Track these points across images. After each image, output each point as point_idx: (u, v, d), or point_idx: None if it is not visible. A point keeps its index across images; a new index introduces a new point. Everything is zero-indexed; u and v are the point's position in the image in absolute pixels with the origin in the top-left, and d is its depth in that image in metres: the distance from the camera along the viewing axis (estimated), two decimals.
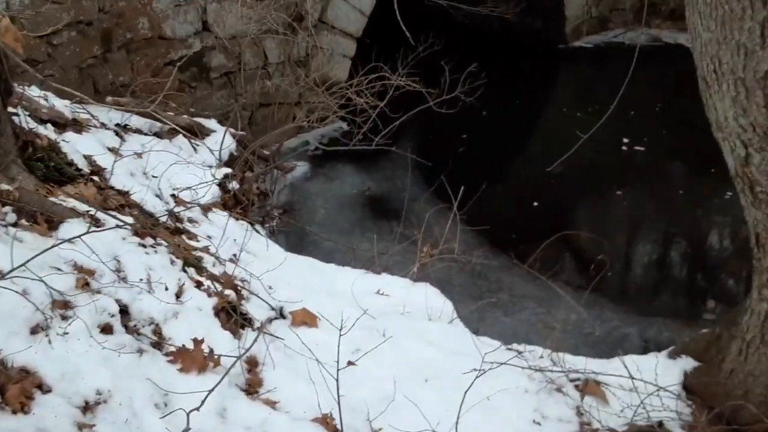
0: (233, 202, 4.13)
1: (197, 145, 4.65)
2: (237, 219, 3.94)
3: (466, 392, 2.43)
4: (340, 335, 2.54)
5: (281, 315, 2.95)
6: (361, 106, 5.44)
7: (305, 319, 2.90)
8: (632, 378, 2.77)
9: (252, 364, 2.53)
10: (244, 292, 2.90)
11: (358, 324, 3.13)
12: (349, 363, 2.62)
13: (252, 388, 2.42)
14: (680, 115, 8.21)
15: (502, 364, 2.81)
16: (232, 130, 5.13)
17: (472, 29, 9.88)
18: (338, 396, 2.25)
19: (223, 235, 3.43)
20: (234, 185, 4.23)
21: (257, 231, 3.94)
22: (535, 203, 6.19)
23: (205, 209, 3.78)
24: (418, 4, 7.91)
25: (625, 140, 7.54)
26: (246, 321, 2.75)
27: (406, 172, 6.46)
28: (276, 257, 3.57)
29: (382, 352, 2.80)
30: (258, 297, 2.92)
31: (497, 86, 6.93)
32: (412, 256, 4.40)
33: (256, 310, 2.88)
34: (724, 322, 2.90)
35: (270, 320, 2.88)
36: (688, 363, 3.02)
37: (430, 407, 2.52)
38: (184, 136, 4.60)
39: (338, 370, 2.31)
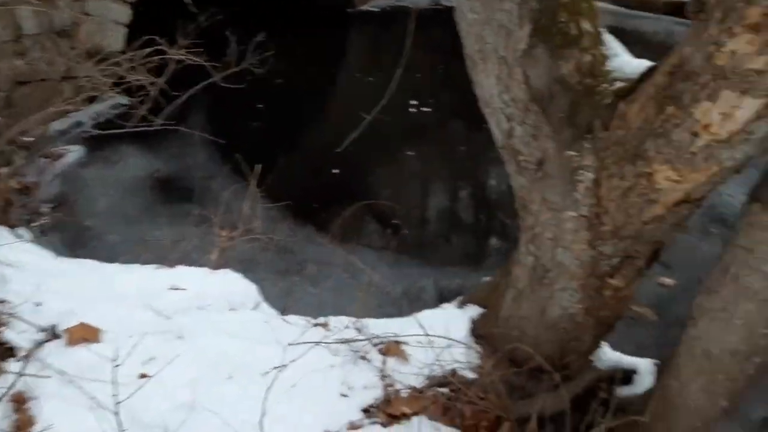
0: None
1: None
2: None
3: (269, 388, 2.36)
4: (115, 360, 2.20)
5: (54, 335, 2.60)
6: (136, 82, 4.95)
7: (84, 334, 2.59)
8: (427, 335, 2.91)
9: (19, 401, 2.20)
10: (2, 317, 2.50)
11: (150, 328, 2.90)
12: (142, 376, 2.41)
13: (21, 430, 2.11)
14: (460, 77, 8.79)
15: (305, 343, 2.79)
16: None
17: None
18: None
19: None
20: None
21: (19, 236, 3.43)
22: (334, 171, 6.25)
23: None
24: None
25: (413, 102, 7.88)
26: (7, 352, 2.38)
27: (197, 150, 6.14)
28: (44, 265, 3.15)
29: (178, 356, 2.61)
30: (21, 319, 2.53)
31: (288, 55, 6.82)
32: (209, 238, 4.19)
33: (20, 335, 2.50)
34: (501, 272, 3.17)
35: (39, 344, 2.52)
36: (474, 311, 3.27)
37: (234, 406, 2.42)
38: None
39: (117, 402, 2.02)
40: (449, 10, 8.98)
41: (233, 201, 4.70)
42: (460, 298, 3.43)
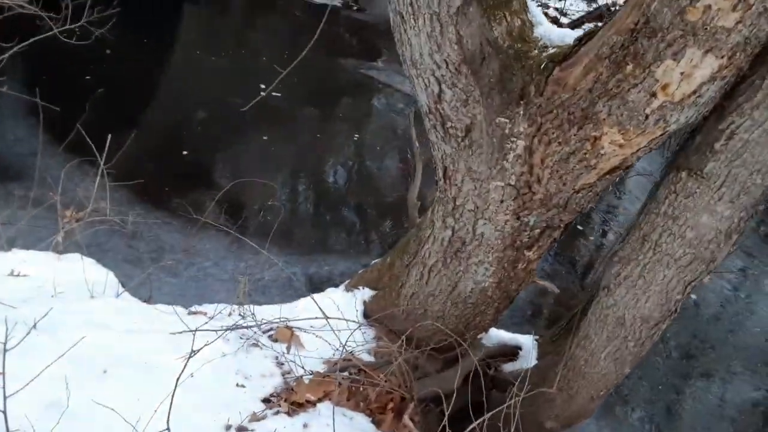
0: None
1: None
2: None
3: (178, 380, 2.05)
4: None
5: None
6: None
7: None
8: (325, 317, 2.76)
9: None
10: None
11: None
12: None
13: None
14: (308, 64, 8.65)
15: (190, 331, 2.49)
16: None
17: None
18: None
19: None
20: None
21: None
22: (185, 152, 5.76)
23: None
24: None
25: (263, 86, 7.55)
26: None
27: (19, 118, 5.28)
28: None
29: (38, 349, 2.18)
30: None
31: (118, 23, 6.10)
32: (52, 223, 3.61)
33: None
34: (397, 252, 3.10)
35: None
36: (365, 293, 3.18)
37: (114, 405, 2.07)
38: None
39: None
40: None
41: (74, 179, 4.13)
42: (348, 282, 3.31)
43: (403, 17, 1.96)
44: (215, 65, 7.89)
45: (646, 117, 1.60)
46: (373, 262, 3.45)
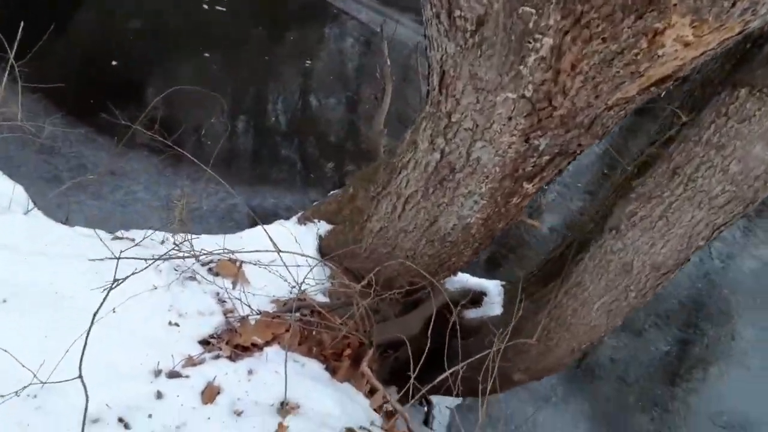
0: None
1: None
2: None
3: (95, 315, 1.63)
4: None
5: None
6: None
7: None
8: (276, 250, 2.38)
9: None
10: None
11: None
12: None
13: None
14: None
15: (113, 258, 2.04)
16: None
17: None
18: None
19: None
20: None
21: None
22: (114, 62, 5.10)
23: None
24: None
25: None
26: None
27: None
28: None
29: None
30: None
31: None
32: None
33: None
34: (360, 182, 2.73)
35: None
36: (321, 227, 2.81)
37: (14, 341, 1.64)
38: None
39: None
40: None
41: None
42: (301, 214, 2.92)
43: None
44: None
45: (733, 3, 1.24)
46: (331, 192, 3.07)
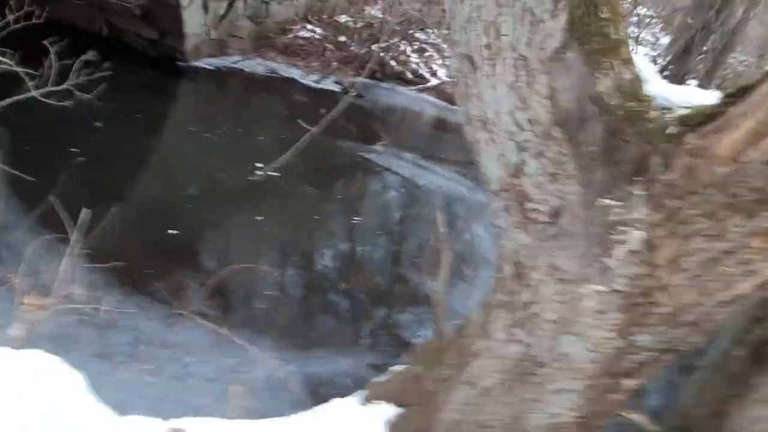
0: None
1: None
2: None
3: None
4: None
5: None
6: None
7: None
8: None
9: None
10: None
11: None
12: None
13: None
14: (306, 145, 8.37)
15: None
16: None
17: (78, 29, 8.34)
18: None
19: None
20: None
21: None
22: (171, 231, 5.24)
23: None
24: None
25: (259, 165, 7.17)
26: None
27: None
28: None
29: None
30: None
31: (110, 93, 5.71)
32: (6, 305, 3.04)
33: None
34: (423, 361, 2.57)
35: None
36: (388, 410, 2.61)
37: None
38: None
39: None
40: (285, 80, 8.65)
41: (40, 258, 3.58)
42: (364, 392, 2.74)
43: (473, 62, 1.53)
44: (209, 142, 7.54)
45: None
46: (394, 369, 2.90)
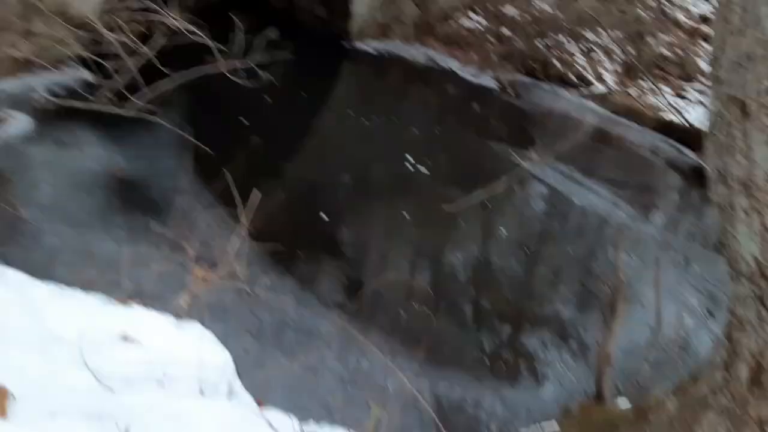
0: None
1: None
2: None
3: None
4: None
5: None
6: (114, 46, 3.83)
7: None
8: None
9: None
10: None
11: (84, 404, 1.91)
12: None
13: None
14: (457, 143, 8.20)
15: None
16: None
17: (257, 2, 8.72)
18: None
19: None
20: None
21: None
22: (323, 216, 5.32)
23: None
24: None
25: (409, 158, 7.11)
26: None
27: (173, 151, 5.07)
28: None
29: None
30: None
31: (281, 68, 5.82)
32: (177, 271, 3.20)
33: None
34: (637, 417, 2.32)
35: None
36: None
37: None
38: None
39: None
40: (444, 71, 8.36)
41: (210, 229, 3.74)
42: (550, 421, 2.50)
43: (745, 108, 1.28)
44: (365, 128, 7.60)
45: None
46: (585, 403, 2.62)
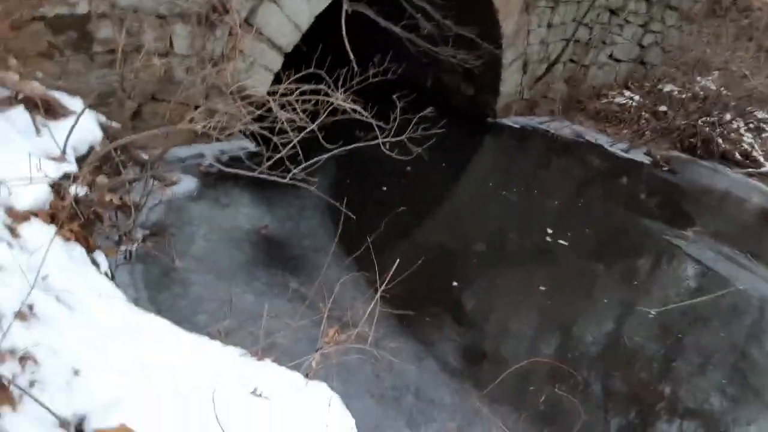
0: (70, 215, 2.82)
1: (43, 125, 3.32)
2: (68, 239, 2.65)
3: None
4: None
5: None
6: (282, 122, 4.26)
7: None
8: None
9: None
10: (14, 389, 1.63)
11: None
12: None
13: None
14: (602, 217, 7.83)
15: None
16: (103, 117, 3.82)
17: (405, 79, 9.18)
18: None
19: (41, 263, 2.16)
20: (77, 190, 2.92)
21: (94, 263, 2.66)
22: (455, 283, 5.29)
23: (18, 217, 2.47)
24: (368, 27, 7.03)
25: (549, 231, 6.91)
26: None
27: (316, 215, 5.39)
28: (109, 309, 2.33)
29: None
30: (38, 402, 1.65)
31: (427, 142, 6.04)
32: (310, 329, 3.31)
33: (31, 428, 1.61)
34: None
35: None
36: None
37: None
38: (27, 108, 3.26)
39: None
40: (591, 145, 8.09)
41: (345, 292, 3.85)
42: None
43: None
44: (504, 200, 7.54)
45: None
46: None
